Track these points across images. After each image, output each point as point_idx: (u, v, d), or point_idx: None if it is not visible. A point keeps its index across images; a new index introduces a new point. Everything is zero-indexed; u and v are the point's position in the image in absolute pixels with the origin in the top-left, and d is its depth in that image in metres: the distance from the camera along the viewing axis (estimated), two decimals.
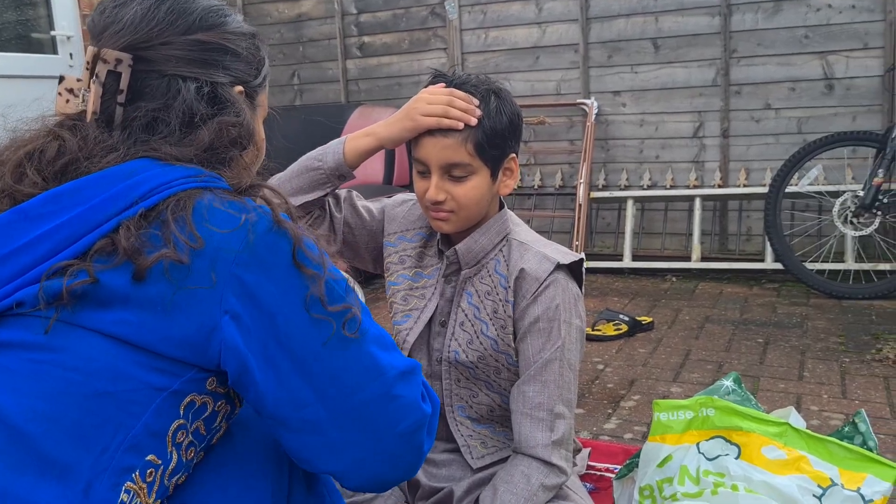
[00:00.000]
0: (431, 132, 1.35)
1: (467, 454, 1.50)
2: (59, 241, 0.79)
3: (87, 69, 0.90)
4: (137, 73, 0.90)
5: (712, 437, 1.38)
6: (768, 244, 3.75)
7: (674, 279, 4.04)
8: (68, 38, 4.68)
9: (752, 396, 1.48)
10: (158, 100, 0.90)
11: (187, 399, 0.83)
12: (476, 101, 1.35)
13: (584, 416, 2.28)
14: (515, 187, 1.49)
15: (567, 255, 1.43)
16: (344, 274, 1.25)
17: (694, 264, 3.99)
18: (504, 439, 1.52)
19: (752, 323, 3.18)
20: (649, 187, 4.28)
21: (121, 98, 0.89)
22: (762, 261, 3.89)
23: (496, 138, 1.35)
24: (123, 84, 0.89)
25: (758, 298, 3.58)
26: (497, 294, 1.44)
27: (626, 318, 3.10)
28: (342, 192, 1.54)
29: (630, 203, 4.17)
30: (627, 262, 4.12)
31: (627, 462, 1.56)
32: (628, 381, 2.57)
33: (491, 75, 1.45)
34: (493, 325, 1.45)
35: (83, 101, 0.90)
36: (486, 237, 1.45)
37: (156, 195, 0.82)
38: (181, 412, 0.82)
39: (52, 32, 4.62)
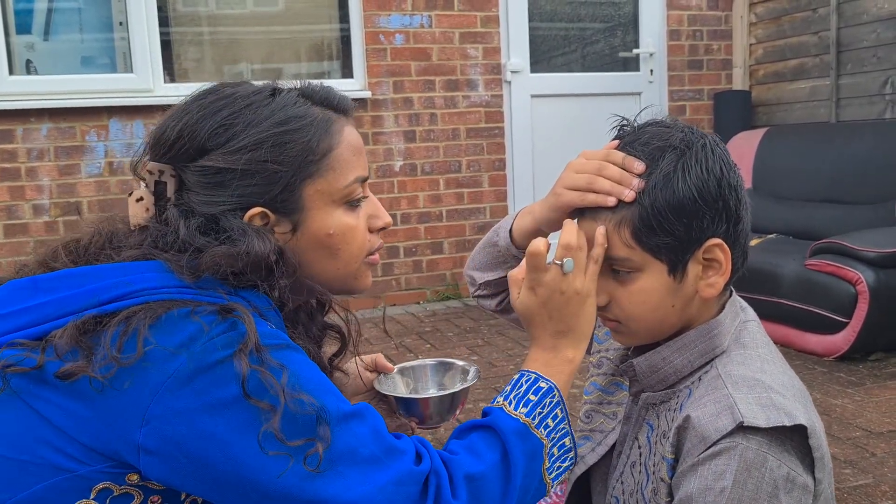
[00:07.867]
0: (581, 211, 0.98)
1: None
2: (40, 316, 0.85)
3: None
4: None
5: None
6: None
7: None
8: (650, 54, 4.84)
9: None
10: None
11: (100, 485, 0.83)
12: (639, 166, 0.93)
13: None
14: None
15: (773, 415, 0.88)
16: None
17: None
18: None
19: None
20: None
21: (170, 204, 0.92)
22: None
23: (667, 218, 0.91)
24: (170, 192, 0.93)
25: None
26: (667, 440, 0.97)
27: None
28: None
29: None
30: None
31: None
32: None
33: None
34: (650, 483, 0.99)
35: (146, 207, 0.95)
36: (681, 356, 0.99)
37: (130, 299, 0.84)
38: (91, 495, 0.83)
39: (636, 51, 4.83)
